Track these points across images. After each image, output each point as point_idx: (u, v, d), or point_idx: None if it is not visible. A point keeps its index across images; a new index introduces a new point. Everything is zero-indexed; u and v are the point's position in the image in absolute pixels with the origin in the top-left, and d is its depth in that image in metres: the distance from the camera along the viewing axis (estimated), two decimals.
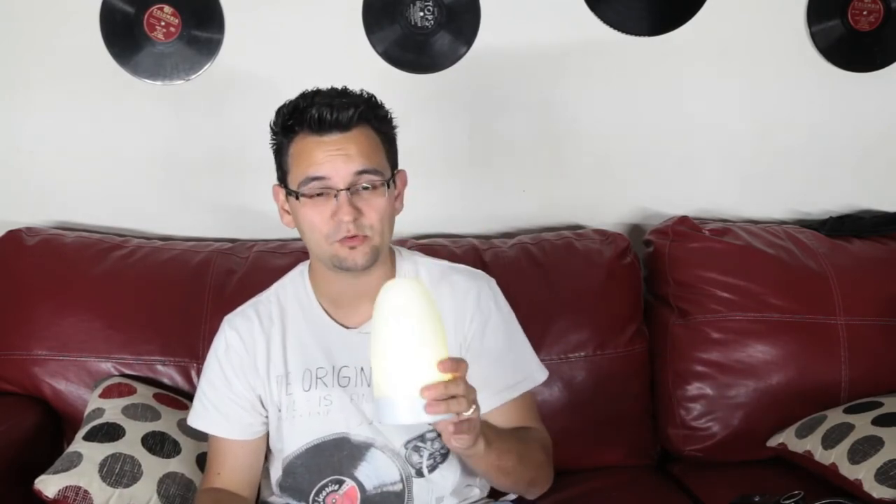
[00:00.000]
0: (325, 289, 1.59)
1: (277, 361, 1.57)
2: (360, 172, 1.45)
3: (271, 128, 1.53)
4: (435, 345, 1.27)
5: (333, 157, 1.45)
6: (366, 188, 1.46)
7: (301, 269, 1.64)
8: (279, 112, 1.51)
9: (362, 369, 1.56)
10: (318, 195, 1.46)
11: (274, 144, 1.53)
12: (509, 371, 1.59)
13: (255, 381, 1.57)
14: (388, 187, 1.49)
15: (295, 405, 1.56)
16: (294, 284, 1.63)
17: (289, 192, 1.50)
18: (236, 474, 1.58)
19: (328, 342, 1.57)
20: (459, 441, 1.31)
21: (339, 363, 1.57)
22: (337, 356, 1.57)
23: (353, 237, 1.46)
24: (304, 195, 1.46)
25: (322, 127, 1.45)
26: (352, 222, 1.44)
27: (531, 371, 1.63)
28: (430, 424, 1.33)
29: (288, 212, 1.54)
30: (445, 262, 1.69)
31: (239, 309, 1.64)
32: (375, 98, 1.52)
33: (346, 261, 1.48)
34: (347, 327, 1.58)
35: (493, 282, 1.66)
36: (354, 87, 1.52)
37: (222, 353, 1.59)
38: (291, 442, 1.57)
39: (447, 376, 1.25)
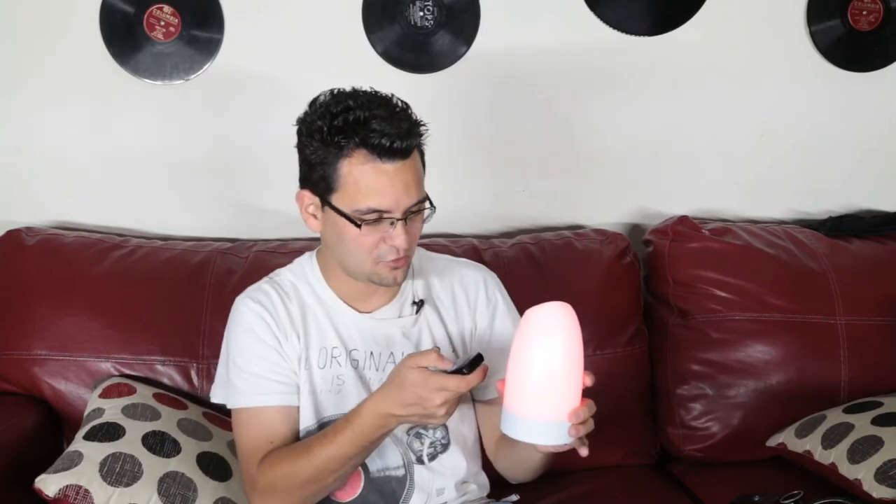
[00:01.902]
0: (337, 284, 1.59)
1: (297, 336, 1.56)
2: (417, 203, 1.47)
3: (308, 132, 1.46)
4: (580, 368, 1.31)
5: (396, 190, 1.44)
6: (414, 213, 1.48)
7: (309, 259, 1.63)
8: (323, 119, 1.44)
9: (371, 353, 1.57)
10: (375, 221, 1.46)
11: (311, 151, 1.46)
12: None
13: (287, 346, 1.56)
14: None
15: (312, 381, 1.56)
16: (303, 270, 1.62)
17: (337, 212, 1.46)
18: (291, 441, 1.54)
19: (341, 324, 1.58)
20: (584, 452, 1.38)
21: (350, 345, 1.58)
22: (348, 338, 1.58)
23: (400, 258, 1.48)
24: (365, 223, 1.45)
25: (387, 154, 1.42)
26: (406, 248, 1.47)
27: None
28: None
29: (315, 216, 1.51)
30: (447, 256, 1.74)
31: (252, 287, 1.62)
32: (418, 117, 1.49)
33: (386, 279, 1.50)
34: (361, 312, 1.59)
35: (493, 273, 1.71)
36: (353, 87, 1.50)
37: (251, 322, 1.55)
38: (303, 418, 1.56)
39: (587, 402, 1.34)
